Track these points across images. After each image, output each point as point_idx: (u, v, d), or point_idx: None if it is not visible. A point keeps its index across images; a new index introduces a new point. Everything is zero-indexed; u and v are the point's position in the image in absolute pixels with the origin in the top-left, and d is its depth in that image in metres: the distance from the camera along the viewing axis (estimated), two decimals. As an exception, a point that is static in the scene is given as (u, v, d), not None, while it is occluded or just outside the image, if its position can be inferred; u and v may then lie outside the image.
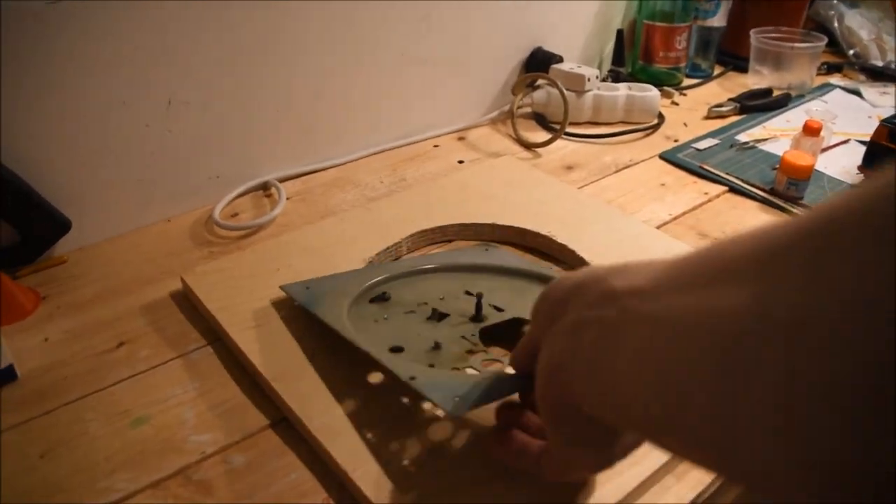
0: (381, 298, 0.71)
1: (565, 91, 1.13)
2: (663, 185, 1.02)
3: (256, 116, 0.96)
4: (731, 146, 1.14)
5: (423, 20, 1.07)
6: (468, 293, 0.72)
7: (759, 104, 1.29)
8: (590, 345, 0.38)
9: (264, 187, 1.00)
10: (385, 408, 0.60)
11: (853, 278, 0.25)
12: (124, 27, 0.80)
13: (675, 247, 0.81)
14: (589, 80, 1.19)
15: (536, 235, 0.83)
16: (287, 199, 0.96)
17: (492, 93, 1.24)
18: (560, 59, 1.24)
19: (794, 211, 0.94)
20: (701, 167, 1.06)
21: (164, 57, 0.84)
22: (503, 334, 0.67)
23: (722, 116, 1.26)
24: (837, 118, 1.23)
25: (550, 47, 1.26)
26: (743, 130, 1.21)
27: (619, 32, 1.40)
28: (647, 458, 0.54)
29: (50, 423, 0.61)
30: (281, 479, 0.56)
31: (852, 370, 0.24)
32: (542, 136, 1.15)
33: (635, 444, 0.47)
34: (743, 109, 1.28)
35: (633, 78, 1.37)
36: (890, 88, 1.40)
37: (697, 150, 1.13)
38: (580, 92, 1.19)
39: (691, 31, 1.37)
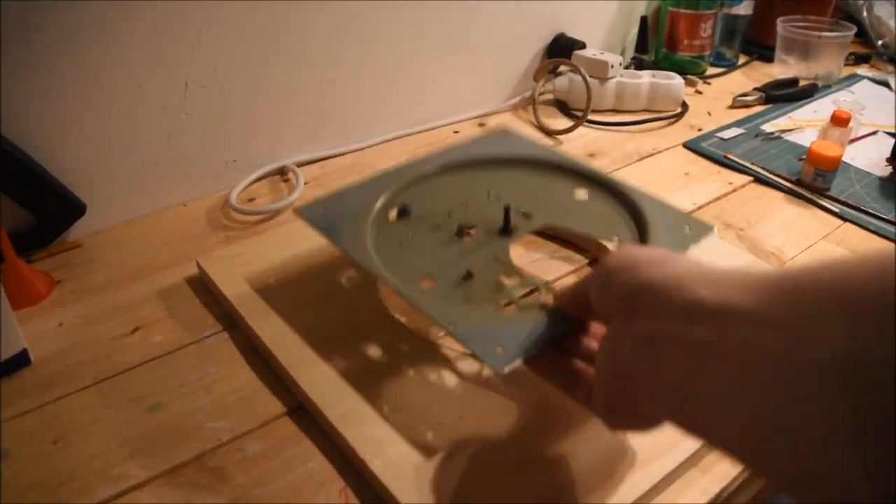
0: (403, 213, 0.69)
1: (588, 78, 1.11)
2: (687, 174, 1.01)
3: (274, 100, 0.95)
4: (756, 136, 1.12)
5: (444, 5, 1.06)
6: (493, 196, 0.70)
7: (784, 94, 1.27)
8: (675, 366, 0.37)
9: (281, 172, 0.99)
10: (403, 395, 0.58)
11: None
12: (141, 9, 0.78)
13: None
14: (612, 66, 1.17)
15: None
16: (305, 184, 0.95)
17: (513, 79, 1.22)
18: (583, 46, 1.22)
19: (822, 202, 0.92)
20: (725, 157, 1.04)
21: (180, 39, 0.83)
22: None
23: (747, 106, 1.24)
24: (865, 109, 1.20)
25: (573, 34, 1.24)
26: (768, 120, 1.18)
27: (643, 19, 1.38)
28: (672, 451, 0.53)
29: (64, 408, 0.60)
30: (297, 468, 0.55)
31: None
32: (563, 123, 1.13)
33: None
34: (768, 99, 1.26)
35: (656, 66, 1.36)
36: (919, 79, 1.38)
37: (722, 139, 1.11)
38: (603, 79, 1.17)
39: (716, 18, 1.35)
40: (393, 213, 0.69)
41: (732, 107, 1.24)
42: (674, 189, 0.96)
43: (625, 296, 0.42)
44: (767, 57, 1.44)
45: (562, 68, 1.20)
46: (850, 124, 1.01)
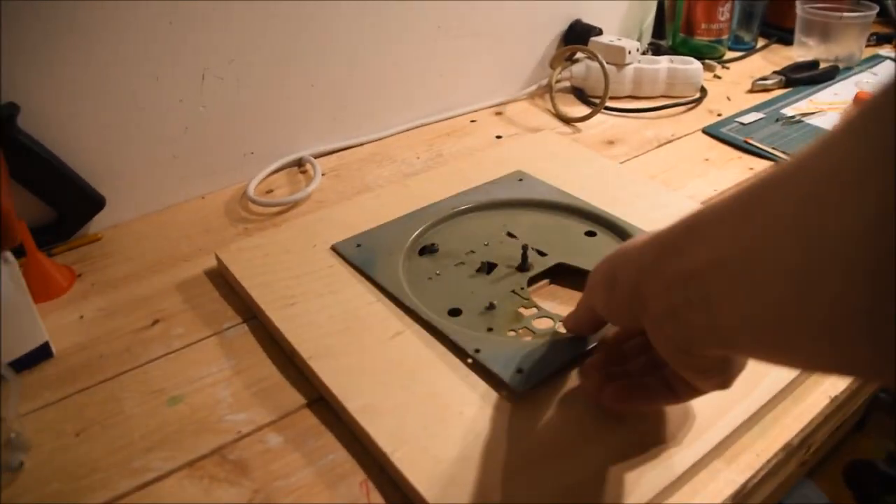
0: (431, 250, 0.75)
1: (606, 64, 1.11)
2: (707, 160, 1.00)
3: (291, 91, 0.94)
4: (777, 120, 1.11)
5: (459, -8, 1.05)
6: (510, 235, 0.77)
7: (805, 77, 1.25)
8: (714, 298, 0.38)
9: (299, 163, 0.99)
10: (425, 387, 0.58)
11: None
12: (158, 1, 0.78)
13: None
14: (629, 52, 1.16)
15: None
16: (322, 175, 0.95)
17: (529, 66, 1.22)
18: (599, 32, 1.21)
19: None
20: (746, 142, 1.03)
21: (197, 31, 0.83)
22: (548, 274, 0.73)
23: (766, 90, 1.23)
24: (888, 91, 1.19)
25: (589, 19, 1.23)
26: (789, 104, 1.17)
27: (660, 4, 1.37)
28: (697, 441, 0.53)
29: (85, 401, 0.61)
30: (318, 460, 0.55)
31: None
32: (581, 110, 1.12)
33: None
34: (788, 83, 1.24)
35: (673, 51, 1.35)
36: (942, 60, 1.36)
37: (742, 124, 1.09)
38: (620, 65, 1.16)
39: (734, 2, 1.33)
40: (422, 248, 0.76)
41: (752, 91, 1.23)
42: (694, 175, 0.95)
43: (634, 288, 0.45)
44: (787, 40, 1.42)
45: (578, 55, 1.20)
46: (873, 107, 1.00)
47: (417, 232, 0.77)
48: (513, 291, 0.69)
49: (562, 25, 1.23)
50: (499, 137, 1.06)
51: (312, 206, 0.89)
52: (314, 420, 0.58)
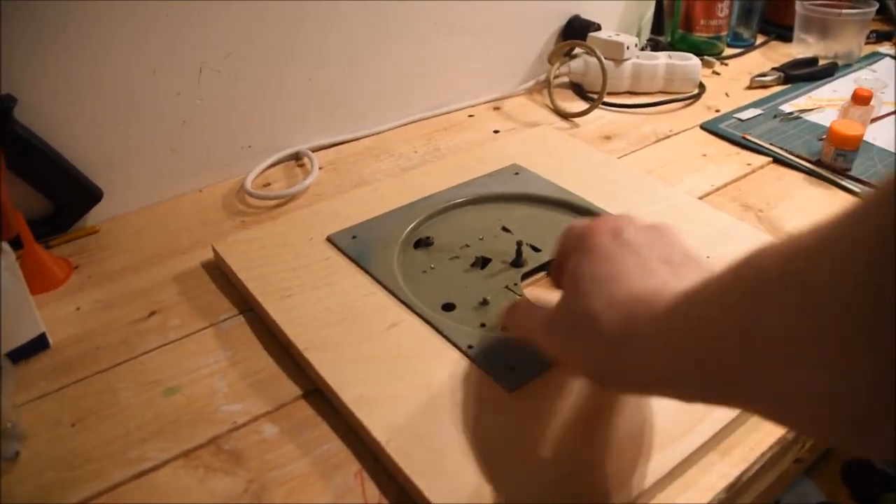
0: (426, 244, 0.75)
1: (604, 60, 1.11)
2: (705, 155, 1.00)
3: (288, 85, 0.94)
4: (775, 116, 1.11)
5: (458, -13, 1.05)
6: (505, 229, 0.77)
7: (803, 73, 1.25)
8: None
9: (296, 157, 0.99)
10: (420, 378, 0.58)
11: None
12: (155, -8, 0.79)
13: (718, 217, 0.79)
14: (628, 48, 1.16)
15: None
16: (319, 168, 0.95)
17: (528, 62, 1.22)
18: (598, 28, 1.21)
19: (843, 182, 0.91)
20: (744, 137, 1.03)
21: (194, 24, 0.83)
22: (541, 270, 0.73)
23: (765, 86, 1.23)
24: (887, 87, 1.19)
25: (588, 15, 1.23)
26: (787, 101, 1.17)
27: (659, 0, 1.36)
28: (691, 434, 0.53)
29: (81, 391, 0.61)
30: (313, 450, 0.55)
31: None
32: (579, 105, 1.12)
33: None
34: (787, 79, 1.24)
35: (672, 47, 1.34)
36: (941, 58, 1.36)
37: (740, 120, 1.09)
38: (619, 61, 1.16)
39: (734, -2, 1.33)
40: (417, 241, 0.76)
41: (750, 87, 1.23)
42: (691, 171, 0.95)
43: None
44: (786, 36, 1.42)
45: (577, 50, 1.20)
46: (872, 103, 1.00)
47: (413, 224, 0.77)
48: (506, 287, 0.69)
49: (560, 21, 1.23)
50: (496, 132, 1.06)
51: (309, 199, 0.89)
52: (310, 411, 0.58)
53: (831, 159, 0.94)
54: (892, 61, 1.36)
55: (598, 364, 0.44)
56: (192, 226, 0.84)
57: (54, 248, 0.80)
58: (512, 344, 0.60)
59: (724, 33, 1.36)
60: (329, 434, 0.56)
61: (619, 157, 0.98)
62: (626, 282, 0.45)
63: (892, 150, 1.00)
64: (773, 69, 1.26)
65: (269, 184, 0.93)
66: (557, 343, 0.48)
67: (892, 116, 1.11)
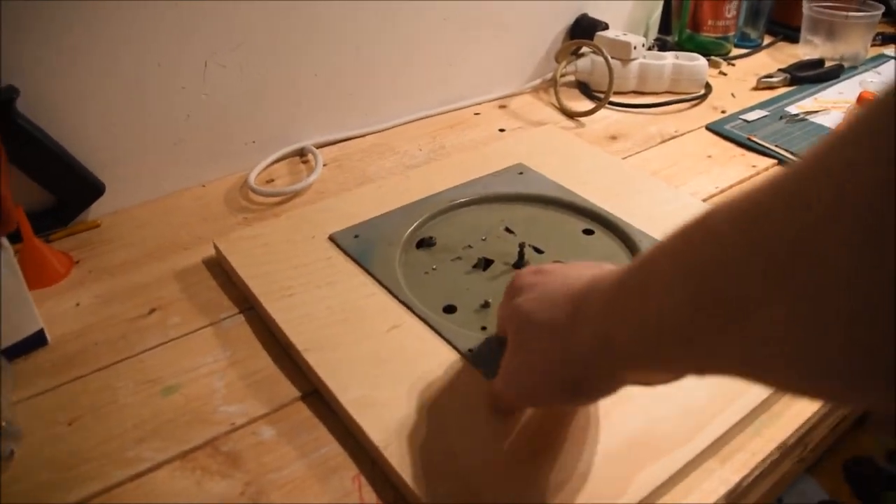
0: (428, 244, 0.75)
1: (611, 59, 1.10)
2: (710, 157, 0.99)
3: (293, 81, 0.94)
4: (781, 118, 1.10)
5: (465, -16, 1.05)
6: (508, 230, 0.77)
7: (810, 75, 1.24)
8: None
9: (301, 153, 0.99)
10: (420, 381, 0.58)
11: None
12: (159, -13, 0.78)
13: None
14: (635, 48, 1.15)
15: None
16: (324, 165, 0.94)
17: (534, 60, 1.21)
18: (605, 27, 1.20)
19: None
20: (749, 139, 1.03)
21: (199, 18, 0.82)
22: None
23: (771, 87, 1.22)
24: (893, 91, 1.18)
25: (595, 14, 1.22)
26: (793, 102, 1.16)
27: (667, 0, 1.35)
28: (692, 440, 0.53)
29: (79, 389, 0.60)
30: (311, 453, 0.55)
31: None
32: (585, 105, 1.12)
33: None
34: (793, 80, 1.23)
35: (679, 47, 1.34)
36: (949, 61, 1.35)
37: (746, 121, 1.09)
38: (626, 60, 1.15)
39: (741, -1, 1.32)
40: (419, 241, 0.76)
41: (757, 88, 1.22)
42: (696, 172, 0.95)
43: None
44: (793, 38, 1.41)
45: (584, 49, 1.19)
46: (878, 107, 0.99)
47: (416, 224, 0.77)
48: None
49: (568, 20, 1.22)
50: (502, 131, 1.06)
51: (313, 196, 0.89)
52: (308, 413, 0.58)
53: (837, 163, 0.93)
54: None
55: (562, 368, 0.45)
56: (195, 221, 0.84)
57: (55, 242, 0.79)
58: None
59: (731, 34, 1.35)
60: (327, 436, 0.56)
61: (624, 158, 0.97)
62: (559, 287, 0.47)
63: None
64: (780, 70, 1.25)
65: (272, 180, 0.93)
66: (521, 378, 0.49)
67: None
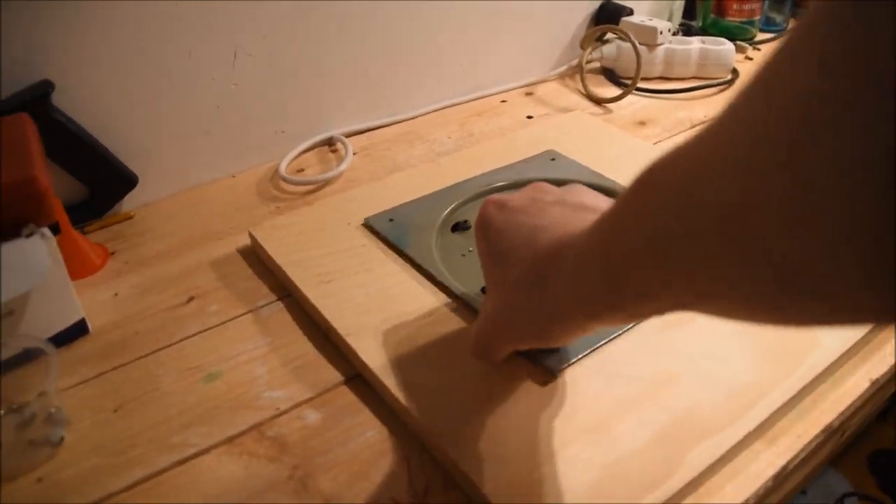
0: (463, 227, 0.75)
1: (637, 44, 1.09)
2: (740, 141, 0.98)
3: (322, 70, 0.94)
4: (810, 102, 1.09)
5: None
6: None
7: (838, 59, 1.23)
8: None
9: (330, 142, 0.99)
10: (462, 363, 0.57)
11: None
12: (190, -23, 0.78)
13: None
14: (661, 33, 1.14)
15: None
16: (353, 154, 0.94)
17: (560, 47, 1.20)
18: (630, 12, 1.20)
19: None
20: (779, 123, 1.01)
21: (229, 8, 0.82)
22: None
23: (799, 72, 1.21)
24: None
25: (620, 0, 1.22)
26: (821, 86, 1.15)
27: (691, -16, 1.35)
28: (738, 421, 0.52)
29: (122, 377, 0.61)
30: (357, 437, 0.55)
31: None
32: (612, 91, 1.11)
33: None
34: (821, 64, 1.22)
35: (704, 32, 1.33)
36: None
37: (775, 105, 1.08)
38: (652, 45, 1.15)
39: (767, -18, 1.31)
40: (454, 224, 0.75)
41: (784, 73, 1.21)
42: (727, 157, 0.94)
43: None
44: (819, 21, 1.39)
45: (609, 35, 1.18)
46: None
47: (450, 208, 0.77)
48: None
49: (592, 5, 1.22)
50: (530, 118, 1.06)
51: (343, 185, 0.89)
52: (352, 397, 0.58)
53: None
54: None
55: (537, 320, 0.46)
56: (227, 211, 0.84)
57: (90, 234, 0.80)
58: None
59: (756, 18, 1.34)
60: (372, 420, 0.56)
61: (654, 143, 0.97)
62: (527, 238, 0.49)
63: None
64: (807, 54, 1.24)
65: (302, 169, 0.93)
66: (499, 326, 0.51)
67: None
